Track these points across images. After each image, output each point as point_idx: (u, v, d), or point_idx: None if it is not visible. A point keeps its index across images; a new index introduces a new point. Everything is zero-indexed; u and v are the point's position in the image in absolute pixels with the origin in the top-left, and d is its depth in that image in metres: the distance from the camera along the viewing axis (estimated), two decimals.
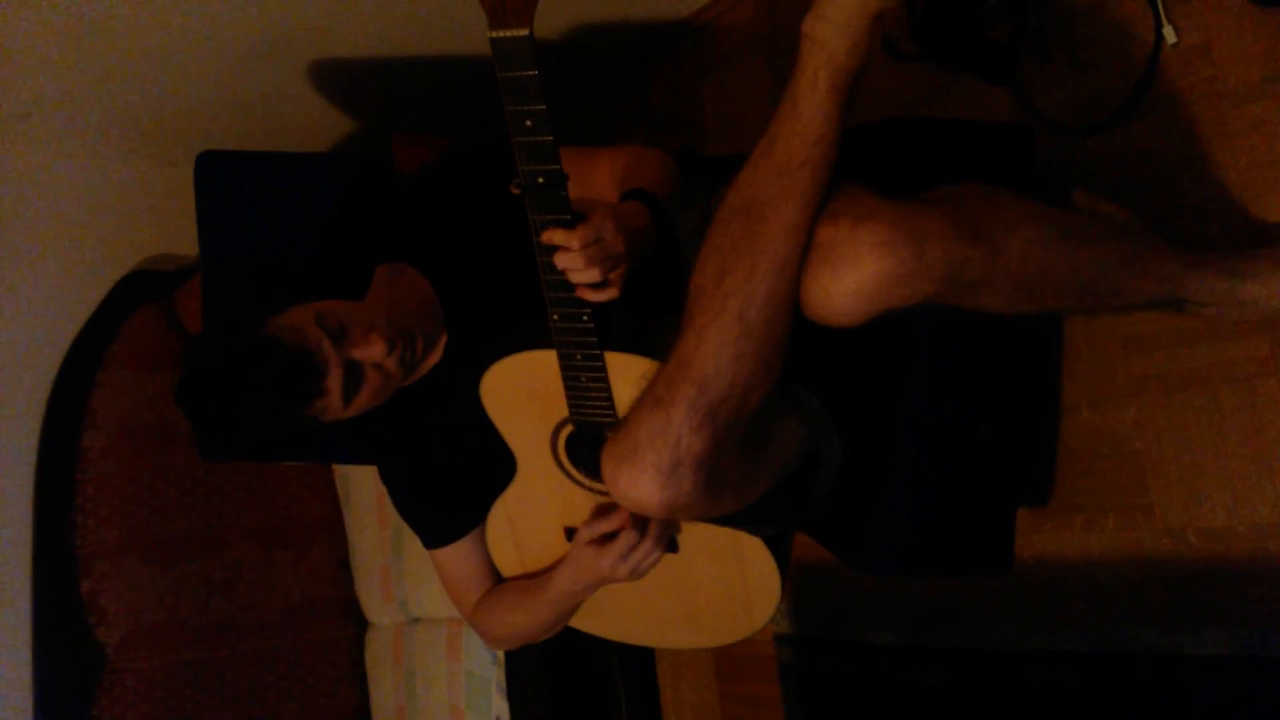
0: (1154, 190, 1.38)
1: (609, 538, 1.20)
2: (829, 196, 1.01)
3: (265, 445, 1.22)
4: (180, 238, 2.22)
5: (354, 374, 1.19)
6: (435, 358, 1.33)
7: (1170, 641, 1.37)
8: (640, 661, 2.17)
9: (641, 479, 0.98)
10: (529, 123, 0.92)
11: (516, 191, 0.98)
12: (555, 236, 1.00)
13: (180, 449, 2.13)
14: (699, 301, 1.00)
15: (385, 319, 1.21)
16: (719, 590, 1.31)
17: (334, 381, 1.17)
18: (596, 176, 1.28)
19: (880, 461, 1.28)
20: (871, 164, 1.20)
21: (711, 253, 1.02)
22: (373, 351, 1.18)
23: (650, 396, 1.00)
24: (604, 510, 1.22)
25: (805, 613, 1.88)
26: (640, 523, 1.19)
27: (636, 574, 1.22)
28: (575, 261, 1.00)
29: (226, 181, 1.57)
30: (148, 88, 1.84)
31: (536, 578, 1.34)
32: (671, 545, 1.28)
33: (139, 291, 2.16)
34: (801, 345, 1.04)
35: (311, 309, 1.19)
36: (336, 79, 1.97)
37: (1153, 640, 1.39)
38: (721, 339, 0.98)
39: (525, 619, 1.35)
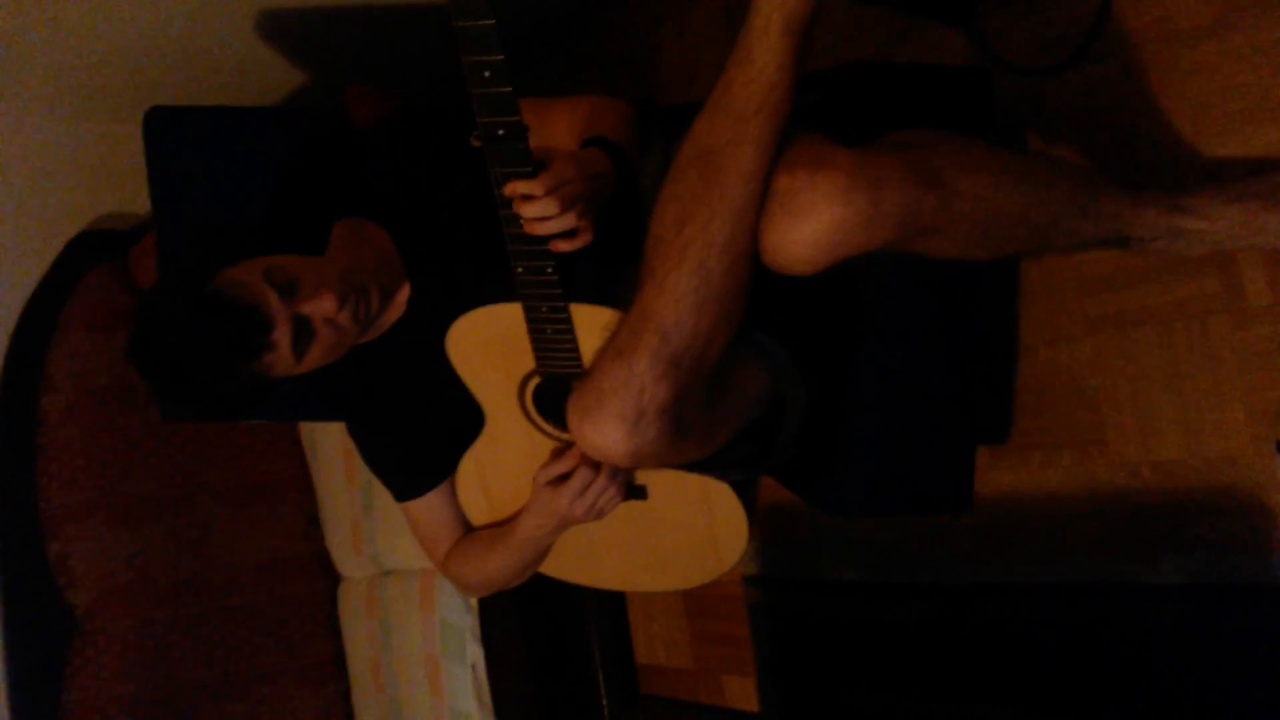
0: (1108, 131, 1.40)
1: (565, 478, 1.21)
2: (786, 144, 1.01)
3: (221, 402, 1.22)
4: (132, 196, 2.18)
5: (304, 329, 1.18)
6: (397, 313, 1.33)
7: (1128, 572, 1.41)
8: (611, 604, 2.21)
9: (607, 429, 0.99)
10: (487, 74, 0.91)
11: (477, 144, 0.98)
12: (519, 187, 1.00)
13: (142, 409, 2.12)
14: (658, 251, 1.01)
15: (337, 274, 1.20)
16: (687, 534, 1.33)
17: (281, 336, 1.16)
18: (556, 127, 1.28)
19: (843, 405, 1.30)
20: (829, 110, 1.20)
21: (669, 201, 1.02)
22: (323, 306, 1.17)
23: (613, 347, 1.01)
24: (559, 452, 1.23)
25: (772, 553, 1.92)
26: (594, 461, 1.20)
27: (596, 511, 1.24)
28: (547, 208, 1.00)
29: (177, 137, 1.54)
30: (92, 41, 1.80)
31: (504, 525, 1.35)
32: (640, 492, 1.30)
33: (92, 252, 2.12)
34: (762, 292, 1.05)
35: (260, 263, 1.18)
36: (287, 29, 1.92)
37: (1111, 571, 1.43)
38: (682, 288, 0.98)
39: (494, 565, 1.37)
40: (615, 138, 1.16)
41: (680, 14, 2.01)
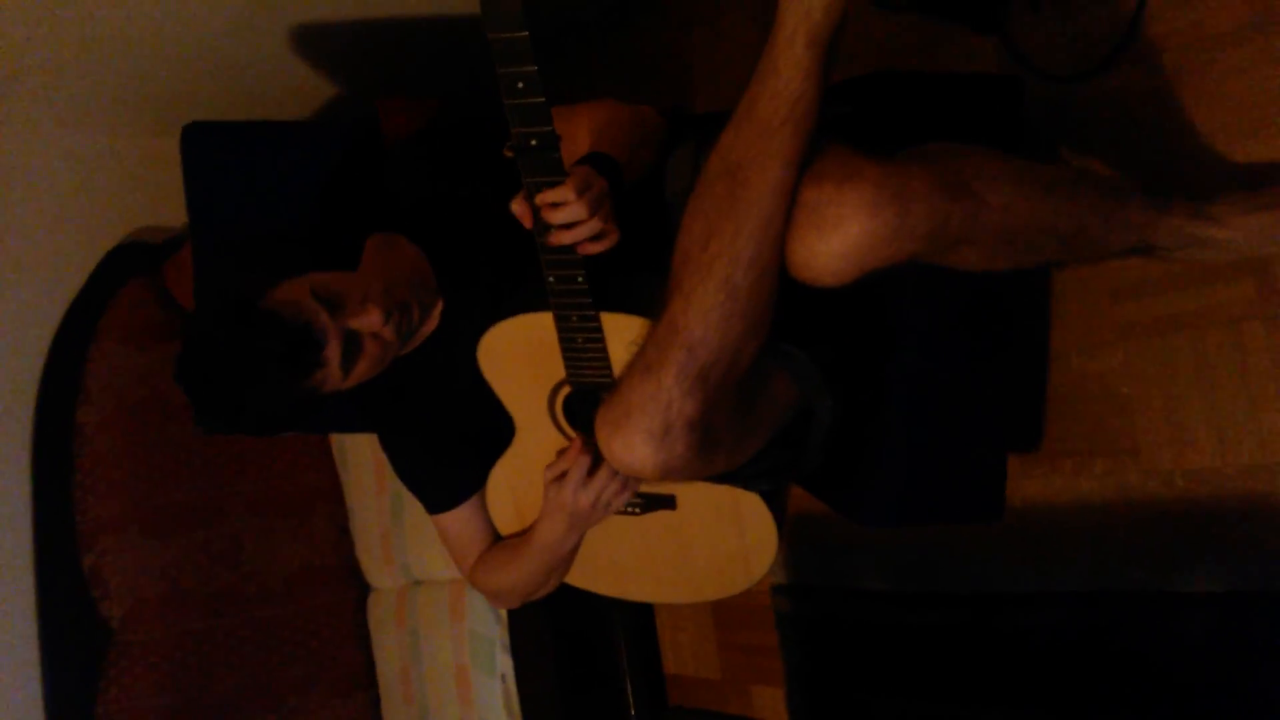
0: (1139, 136, 1.39)
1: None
2: (813, 155, 1.01)
3: (267, 420, 1.23)
4: (167, 209, 2.20)
5: (352, 344, 1.19)
6: (431, 325, 1.33)
7: (1159, 580, 1.40)
8: (640, 614, 2.21)
9: (635, 444, 0.99)
10: (520, 85, 0.91)
11: (510, 155, 0.98)
12: (550, 196, 1.01)
13: (176, 421, 2.13)
14: (685, 265, 1.01)
15: (380, 289, 1.21)
16: (717, 546, 1.33)
17: (333, 352, 1.17)
18: (578, 134, 1.28)
19: (872, 414, 1.29)
20: (857, 120, 1.20)
21: (696, 215, 1.02)
22: (370, 321, 1.18)
23: (641, 362, 1.01)
24: (562, 452, 1.24)
25: (800, 562, 1.91)
26: (594, 454, 1.21)
27: (603, 505, 1.23)
28: (579, 212, 1.01)
29: (214, 152, 1.56)
30: (130, 57, 1.82)
31: (525, 533, 1.36)
32: (669, 502, 1.30)
33: (127, 264, 2.14)
34: (789, 302, 1.05)
35: (306, 281, 1.19)
36: (321, 43, 1.95)
37: (1141, 579, 1.42)
38: (709, 302, 0.98)
39: (517, 572, 1.37)
40: (619, 150, 1.16)
41: (712, 18, 2.02)
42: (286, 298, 1.17)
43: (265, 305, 1.16)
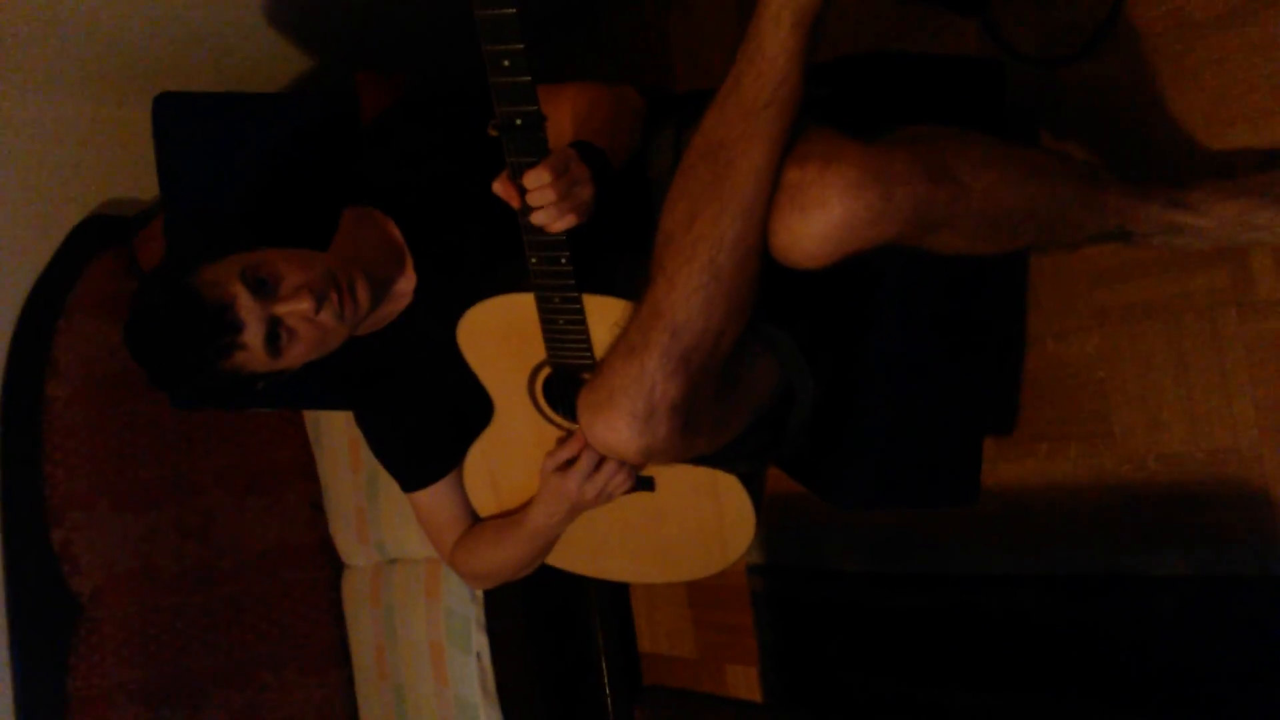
0: (1120, 122, 1.39)
1: (571, 463, 1.21)
2: (796, 137, 1.01)
3: (209, 392, 1.23)
4: (138, 181, 2.17)
5: (280, 329, 1.18)
6: (404, 302, 1.32)
7: (1132, 563, 1.42)
8: (615, 593, 2.22)
9: (618, 426, 1.00)
10: (506, 63, 0.90)
11: (494, 134, 0.97)
12: (533, 177, 1.00)
13: (147, 396, 2.11)
14: (669, 247, 1.00)
15: (321, 272, 1.19)
16: (695, 526, 1.33)
17: (252, 336, 1.16)
18: (561, 115, 1.27)
19: (851, 397, 1.30)
20: (840, 100, 1.20)
21: (679, 197, 1.02)
22: (299, 308, 1.17)
23: (624, 344, 1.01)
24: (564, 440, 1.24)
25: (776, 542, 1.92)
26: None
27: (606, 495, 1.23)
28: (550, 195, 0.99)
29: (186, 123, 1.53)
30: (101, 25, 1.79)
31: (513, 515, 1.35)
32: (648, 483, 1.30)
33: (98, 237, 2.12)
34: (770, 282, 1.05)
35: (240, 260, 1.18)
36: (298, 14, 1.92)
37: (1116, 562, 1.44)
38: (692, 284, 0.98)
39: (504, 555, 1.37)
40: (603, 137, 1.14)
41: None
42: (213, 278, 1.16)
43: (189, 282, 1.16)
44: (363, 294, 1.22)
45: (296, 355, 1.21)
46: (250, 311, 1.15)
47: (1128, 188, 1.18)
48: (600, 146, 1.10)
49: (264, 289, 1.16)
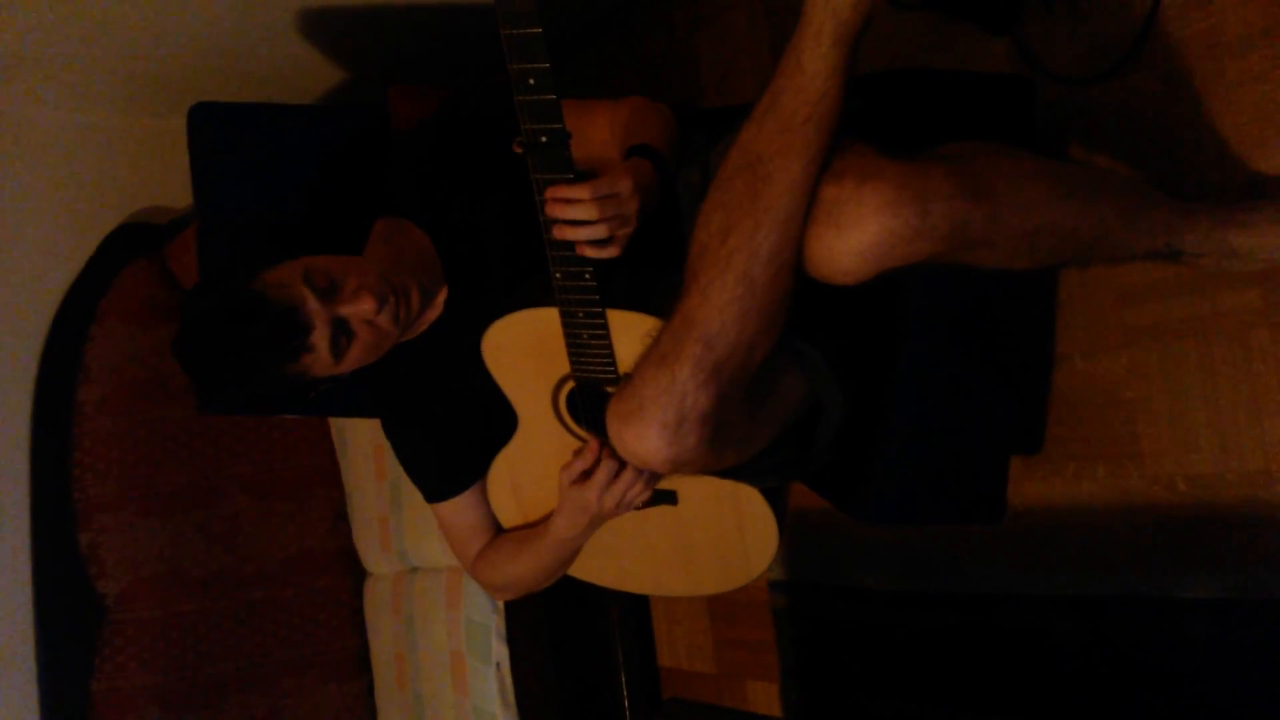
0: (1153, 141, 1.38)
1: (588, 474, 1.21)
2: (833, 153, 1.01)
3: (261, 399, 1.23)
4: (171, 190, 2.20)
5: (342, 330, 1.18)
6: (435, 313, 1.33)
7: (1159, 586, 1.40)
8: (635, 607, 2.21)
9: (648, 436, 0.99)
10: (532, 81, 0.91)
11: (519, 151, 0.98)
12: (564, 191, 1.00)
13: (176, 402, 2.14)
14: (703, 259, 1.00)
15: (377, 275, 1.20)
16: (717, 540, 1.33)
17: (319, 338, 1.16)
18: (595, 130, 1.28)
19: (879, 413, 1.29)
20: (872, 116, 1.19)
21: (715, 209, 1.02)
22: (361, 308, 1.17)
23: (655, 354, 1.01)
24: (580, 450, 1.24)
25: (798, 558, 1.91)
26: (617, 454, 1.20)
27: (626, 504, 1.23)
28: (587, 212, 1.00)
29: (221, 134, 1.55)
30: (139, 37, 1.81)
31: (535, 527, 1.35)
32: (670, 497, 1.30)
33: (131, 244, 2.15)
34: (803, 300, 1.05)
35: (300, 264, 1.18)
36: (332, 27, 1.94)
37: (1142, 585, 1.42)
38: (726, 296, 0.98)
39: (525, 568, 1.37)
40: (659, 145, 1.16)
41: (719, 16, 2.01)
42: (276, 280, 1.16)
43: (254, 287, 1.16)
44: (415, 298, 1.23)
45: (353, 359, 1.22)
46: (317, 313, 1.16)
47: (1175, 205, 1.17)
48: (661, 151, 1.11)
49: (328, 291, 1.17)
